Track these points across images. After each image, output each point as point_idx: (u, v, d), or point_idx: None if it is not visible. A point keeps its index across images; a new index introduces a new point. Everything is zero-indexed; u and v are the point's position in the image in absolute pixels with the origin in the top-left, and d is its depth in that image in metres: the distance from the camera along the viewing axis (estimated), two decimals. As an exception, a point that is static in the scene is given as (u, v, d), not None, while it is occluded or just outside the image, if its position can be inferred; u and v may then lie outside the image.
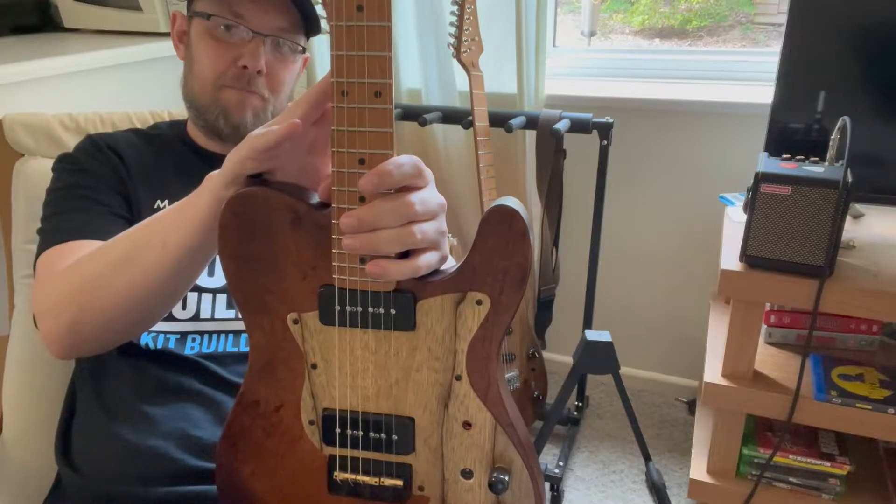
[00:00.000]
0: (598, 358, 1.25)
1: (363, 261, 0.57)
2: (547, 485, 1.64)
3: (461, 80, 1.77)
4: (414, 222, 0.54)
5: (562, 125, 1.56)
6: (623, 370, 1.33)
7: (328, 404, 0.64)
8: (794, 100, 1.28)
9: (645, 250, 1.92)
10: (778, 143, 1.30)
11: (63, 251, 0.77)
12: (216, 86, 0.88)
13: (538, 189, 1.69)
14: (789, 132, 1.30)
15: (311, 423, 0.65)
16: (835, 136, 1.17)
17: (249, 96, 0.89)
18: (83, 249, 0.75)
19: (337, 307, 0.60)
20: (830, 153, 1.18)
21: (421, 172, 0.55)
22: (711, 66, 1.83)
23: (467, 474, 0.64)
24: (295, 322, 0.62)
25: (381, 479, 0.64)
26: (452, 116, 1.69)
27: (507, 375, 1.68)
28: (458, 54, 1.56)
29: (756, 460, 1.32)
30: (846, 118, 1.12)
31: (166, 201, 0.88)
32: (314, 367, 0.63)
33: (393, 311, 0.59)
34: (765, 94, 1.53)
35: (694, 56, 1.87)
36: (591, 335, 1.26)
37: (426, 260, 0.56)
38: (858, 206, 1.42)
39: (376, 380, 0.62)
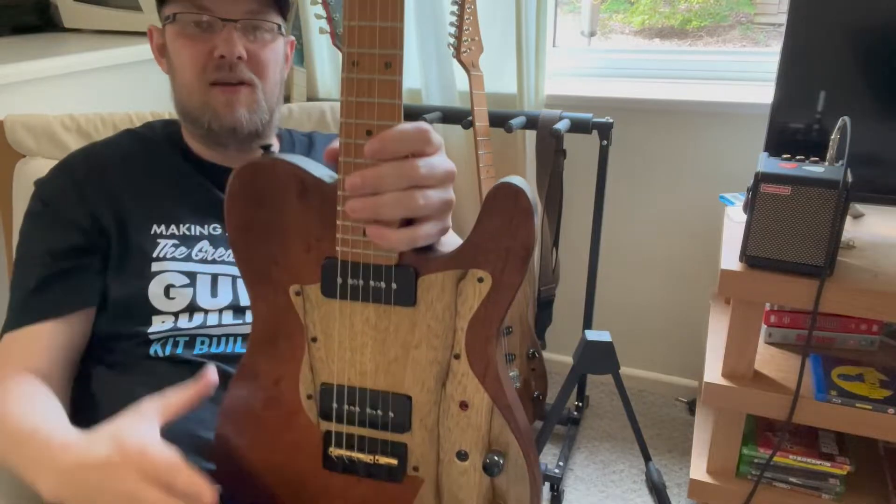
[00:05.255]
0: (598, 358, 1.25)
1: (366, 233, 0.57)
2: (547, 485, 1.64)
3: (461, 80, 1.77)
4: (419, 187, 0.54)
5: (562, 125, 1.56)
6: (623, 370, 1.33)
7: (326, 379, 0.64)
8: (794, 100, 1.28)
9: (645, 250, 1.92)
10: (778, 143, 1.30)
11: (17, 340, 0.81)
12: (202, 85, 0.85)
13: (538, 189, 1.69)
14: (789, 132, 1.30)
15: (309, 397, 0.65)
16: (835, 136, 1.17)
17: (236, 94, 0.86)
18: (36, 338, 0.80)
19: (339, 280, 0.60)
20: (830, 153, 1.18)
21: (428, 139, 0.55)
22: (711, 66, 1.83)
23: (462, 456, 0.63)
24: (297, 294, 0.62)
25: (376, 457, 0.64)
26: (452, 116, 1.69)
27: (507, 375, 1.68)
28: (458, 54, 1.56)
29: (756, 460, 1.32)
30: (846, 118, 1.12)
31: (162, 226, 0.87)
32: (314, 340, 0.63)
33: (394, 286, 0.59)
34: (765, 94, 1.53)
35: (694, 56, 1.87)
36: (591, 335, 1.26)
37: (426, 230, 0.56)
38: (858, 206, 1.42)
39: (375, 355, 0.62)
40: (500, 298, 0.58)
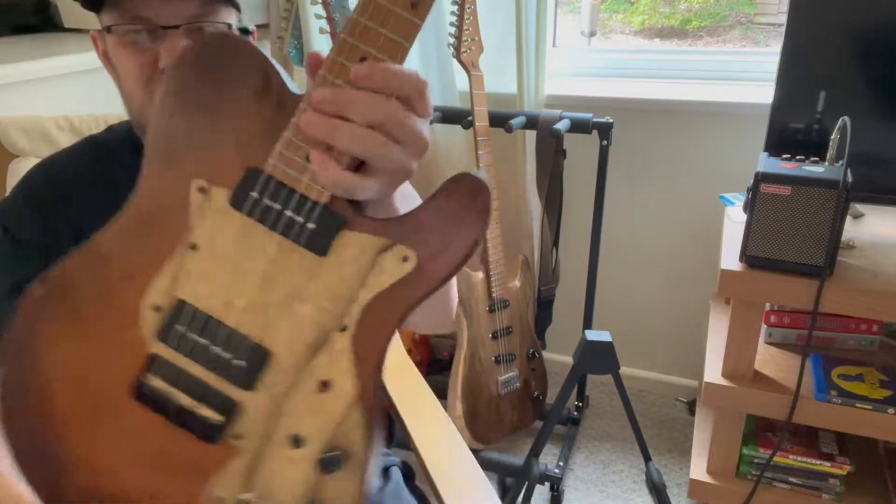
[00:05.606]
0: (598, 358, 1.25)
1: (309, 158, 0.51)
2: (547, 485, 1.64)
3: (461, 80, 1.77)
4: (388, 134, 0.49)
5: (562, 125, 1.56)
6: (623, 370, 1.33)
7: (187, 296, 0.55)
8: (794, 100, 1.28)
9: (645, 250, 1.92)
10: (778, 143, 1.30)
11: None
12: (150, 96, 0.79)
13: (538, 189, 1.69)
14: (789, 132, 1.30)
15: (157, 308, 0.55)
16: (835, 136, 1.17)
17: None
18: None
19: (255, 194, 0.53)
20: (830, 153, 1.18)
21: (424, 91, 0.50)
22: (711, 66, 1.83)
23: (298, 442, 0.54)
24: (200, 190, 0.54)
25: (199, 406, 0.55)
26: (452, 116, 1.69)
27: (507, 375, 1.68)
28: (458, 54, 1.56)
29: (756, 460, 1.32)
30: (846, 118, 1.12)
31: None
32: (193, 248, 0.54)
33: (311, 226, 0.52)
34: (765, 94, 1.53)
35: (694, 56, 1.87)
36: (591, 335, 1.26)
37: (371, 184, 0.50)
38: (858, 206, 1.42)
39: (255, 292, 0.54)
40: (416, 288, 0.52)
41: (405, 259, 0.52)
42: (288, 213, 0.52)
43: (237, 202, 0.53)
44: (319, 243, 0.52)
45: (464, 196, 0.51)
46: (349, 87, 0.48)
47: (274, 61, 0.54)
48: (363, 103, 0.48)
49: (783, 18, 1.25)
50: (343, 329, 0.53)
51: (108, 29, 0.78)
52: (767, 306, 1.36)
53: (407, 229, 0.52)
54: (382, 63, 0.49)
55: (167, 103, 0.55)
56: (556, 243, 1.74)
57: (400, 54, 0.49)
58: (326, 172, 0.49)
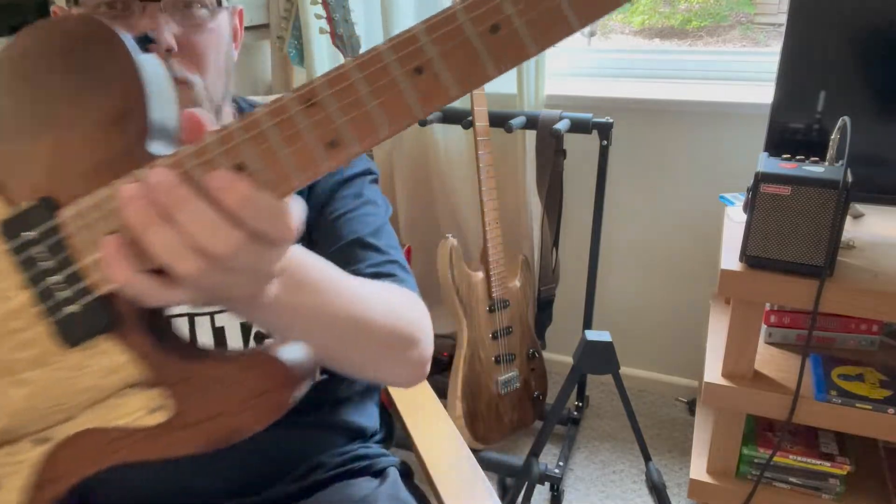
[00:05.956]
0: (598, 358, 1.25)
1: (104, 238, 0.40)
2: (547, 485, 1.64)
3: (461, 80, 1.77)
4: (214, 265, 0.37)
5: (562, 125, 1.56)
6: (623, 370, 1.33)
7: None
8: (794, 100, 1.28)
9: (645, 250, 1.92)
10: (778, 143, 1.30)
11: None
12: None
13: (538, 189, 1.69)
14: (789, 132, 1.30)
15: None
16: (835, 136, 1.17)
17: None
18: None
19: (32, 234, 0.41)
20: (830, 153, 1.18)
21: (286, 243, 0.39)
22: (711, 66, 1.83)
23: None
24: None
25: None
26: (452, 116, 1.69)
27: (506, 375, 1.68)
28: (458, 54, 1.56)
29: (756, 460, 1.32)
30: (846, 118, 1.12)
31: None
32: None
33: (73, 309, 0.41)
34: (765, 94, 1.53)
35: (694, 56, 1.87)
36: (591, 335, 1.26)
37: (167, 296, 0.38)
38: (858, 206, 1.42)
39: None
40: (147, 448, 0.41)
41: (155, 410, 0.41)
42: (55, 279, 0.41)
43: (8, 230, 0.41)
44: (72, 333, 0.41)
45: (274, 380, 0.40)
46: (199, 189, 0.37)
47: (158, 98, 0.41)
48: (197, 220, 0.36)
49: (783, 18, 1.25)
50: (42, 441, 0.43)
51: (75, 2, 0.67)
52: (767, 306, 1.36)
53: (183, 375, 0.41)
54: (253, 188, 0.36)
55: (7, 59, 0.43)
56: (556, 243, 1.74)
57: (285, 186, 0.37)
58: (114, 270, 0.38)
